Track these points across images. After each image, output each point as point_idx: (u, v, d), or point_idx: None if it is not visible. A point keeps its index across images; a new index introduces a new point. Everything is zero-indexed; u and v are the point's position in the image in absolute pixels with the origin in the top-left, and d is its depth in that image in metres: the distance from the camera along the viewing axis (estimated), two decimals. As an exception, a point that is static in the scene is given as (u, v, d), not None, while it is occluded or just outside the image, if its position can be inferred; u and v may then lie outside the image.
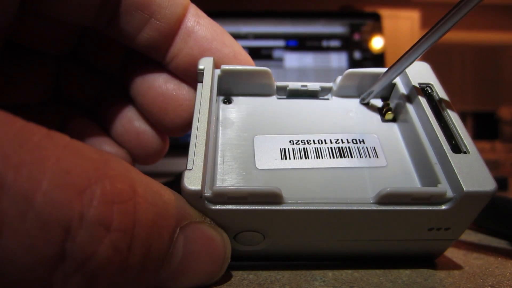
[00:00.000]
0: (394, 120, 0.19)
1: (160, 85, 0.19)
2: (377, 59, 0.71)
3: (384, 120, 0.19)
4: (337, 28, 0.74)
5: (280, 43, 0.72)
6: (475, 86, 2.08)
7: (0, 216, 0.09)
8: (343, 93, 0.19)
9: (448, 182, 0.15)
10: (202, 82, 0.17)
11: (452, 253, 0.19)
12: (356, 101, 0.19)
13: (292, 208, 0.14)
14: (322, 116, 0.19)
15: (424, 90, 0.18)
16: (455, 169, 0.14)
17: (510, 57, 2.07)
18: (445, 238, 0.16)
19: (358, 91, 0.19)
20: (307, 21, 0.74)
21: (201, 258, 0.14)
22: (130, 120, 0.21)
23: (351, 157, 0.17)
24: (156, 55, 0.19)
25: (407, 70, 0.18)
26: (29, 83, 0.20)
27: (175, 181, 0.34)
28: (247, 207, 0.14)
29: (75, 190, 0.10)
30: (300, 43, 0.72)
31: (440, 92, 0.17)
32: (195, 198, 0.14)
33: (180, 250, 0.13)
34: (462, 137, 0.16)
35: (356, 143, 0.17)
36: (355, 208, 0.14)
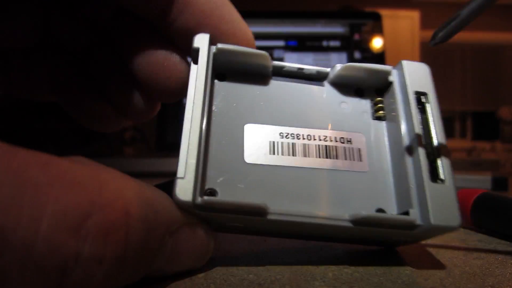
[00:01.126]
0: (384, 119, 0.19)
1: (152, 53, 0.19)
2: (377, 59, 0.71)
3: (374, 118, 0.19)
4: (337, 28, 0.74)
5: (280, 43, 0.72)
6: (475, 86, 2.08)
7: (3, 271, 0.09)
8: (339, 82, 0.19)
9: (420, 209, 0.16)
10: (196, 64, 0.17)
11: (452, 253, 0.19)
12: (350, 92, 0.19)
13: (276, 219, 0.15)
14: (315, 104, 0.19)
15: (418, 99, 0.18)
16: (428, 200, 0.15)
17: (510, 57, 2.07)
18: (412, 242, 0.18)
19: (355, 83, 0.19)
20: (307, 21, 0.74)
21: (186, 257, 0.14)
22: (120, 77, 0.20)
23: (336, 158, 0.17)
24: (150, 19, 0.18)
25: (406, 71, 0.18)
26: (15, 26, 0.19)
27: (172, 182, 0.34)
28: (234, 215, 0.15)
29: (71, 230, 0.10)
30: (300, 43, 0.73)
31: (433, 103, 0.17)
32: (185, 207, 0.14)
33: (168, 251, 0.13)
34: (443, 161, 0.16)
35: (344, 142, 0.18)
36: (333, 223, 0.15)
